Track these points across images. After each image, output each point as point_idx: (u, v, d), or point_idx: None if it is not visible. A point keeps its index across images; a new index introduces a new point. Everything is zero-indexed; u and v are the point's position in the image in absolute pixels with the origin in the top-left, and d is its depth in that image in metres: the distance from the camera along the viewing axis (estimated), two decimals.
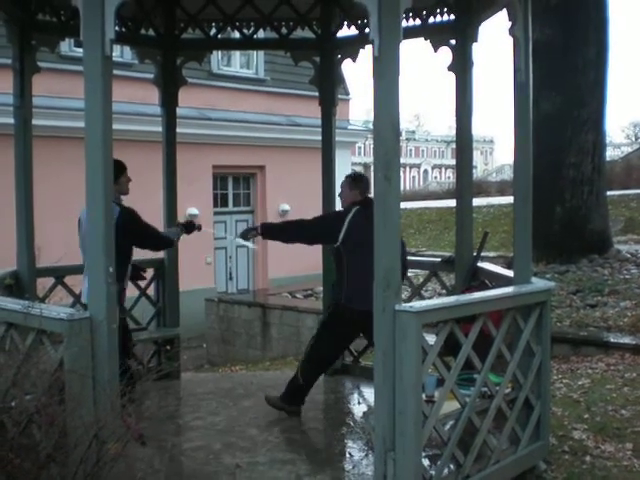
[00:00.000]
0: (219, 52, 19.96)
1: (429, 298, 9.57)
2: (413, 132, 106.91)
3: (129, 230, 6.01)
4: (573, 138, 14.95)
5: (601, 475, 5.60)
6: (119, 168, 6.05)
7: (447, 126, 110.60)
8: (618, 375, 8.26)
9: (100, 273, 4.39)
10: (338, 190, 6.80)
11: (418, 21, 7.25)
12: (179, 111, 8.31)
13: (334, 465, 5.56)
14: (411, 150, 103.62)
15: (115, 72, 4.70)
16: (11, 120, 6.88)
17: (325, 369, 7.04)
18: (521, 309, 5.33)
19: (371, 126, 4.56)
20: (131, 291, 7.85)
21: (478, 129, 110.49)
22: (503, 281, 6.02)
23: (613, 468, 5.74)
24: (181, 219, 7.61)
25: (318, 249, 8.19)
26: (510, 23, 5.47)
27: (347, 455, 5.88)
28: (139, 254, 6.64)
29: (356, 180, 6.55)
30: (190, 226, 7.10)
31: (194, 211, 18.59)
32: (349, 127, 23.76)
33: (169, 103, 8.09)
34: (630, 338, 9.52)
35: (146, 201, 6.19)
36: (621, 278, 12.94)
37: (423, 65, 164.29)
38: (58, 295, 7.28)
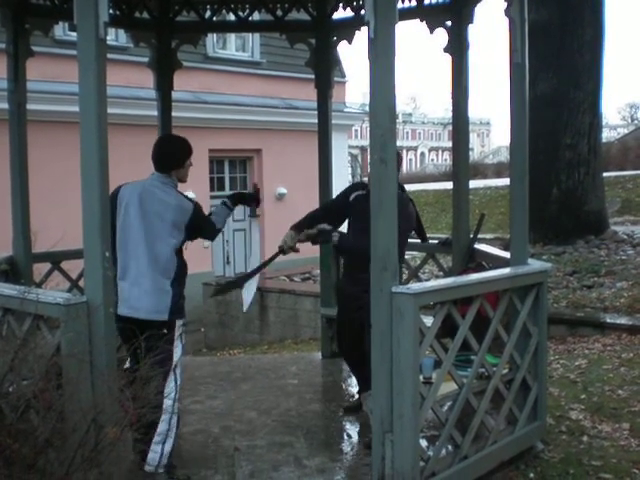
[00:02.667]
0: (214, 35, 19.88)
1: (426, 280, 9.57)
2: (410, 114, 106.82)
3: (195, 225, 5.23)
4: (569, 120, 14.94)
5: (598, 455, 5.62)
6: (188, 150, 5.42)
7: (444, 108, 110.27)
8: (615, 355, 8.28)
9: (97, 258, 4.38)
10: (336, 172, 6.80)
11: (414, 2, 7.21)
12: (174, 95, 8.28)
13: (333, 447, 5.58)
14: (408, 133, 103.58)
15: (110, 56, 4.68)
16: (5, 105, 6.85)
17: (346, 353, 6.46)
18: (518, 290, 5.34)
19: (367, 109, 4.55)
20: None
21: (474, 111, 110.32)
22: (500, 263, 6.02)
23: (610, 448, 5.77)
24: None
25: None
26: (506, 4, 5.45)
27: (345, 437, 5.90)
28: None
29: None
30: (239, 199, 5.94)
31: (190, 195, 18.53)
32: (345, 110, 23.71)
33: (164, 87, 8.06)
34: (626, 318, 9.53)
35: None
36: (617, 259, 12.97)
37: (419, 47, 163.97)
38: (55, 280, 7.27)
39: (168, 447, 4.91)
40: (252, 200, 5.98)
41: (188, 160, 5.39)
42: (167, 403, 4.86)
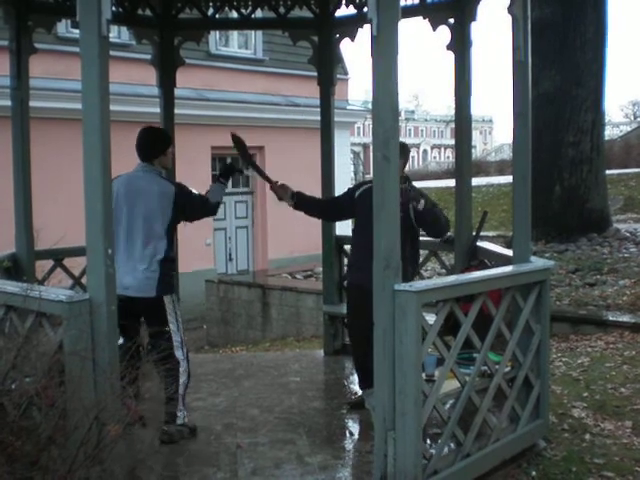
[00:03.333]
0: (217, 32, 19.88)
1: (429, 278, 9.57)
2: (412, 112, 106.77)
3: (182, 204, 5.70)
4: (572, 117, 14.93)
5: (601, 453, 5.62)
6: (168, 139, 5.94)
7: (446, 106, 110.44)
8: (617, 353, 8.27)
9: (99, 255, 4.38)
10: (338, 169, 6.83)
11: (417, 0, 7.21)
12: (177, 92, 8.27)
13: (335, 445, 5.58)
14: (410, 130, 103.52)
15: (112, 53, 4.68)
16: (8, 102, 6.85)
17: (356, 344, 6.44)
18: (520, 288, 5.33)
19: (370, 106, 4.55)
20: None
21: (477, 109, 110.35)
22: (502, 260, 6.02)
23: (612, 446, 5.76)
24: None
25: (318, 230, 8.21)
26: (509, 1, 5.43)
27: (348, 435, 5.90)
28: None
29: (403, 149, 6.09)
30: (229, 171, 6.48)
31: (194, 192, 18.54)
32: (348, 107, 23.70)
33: (167, 84, 8.06)
34: (629, 316, 9.53)
35: None
36: (620, 257, 12.96)
37: (422, 45, 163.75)
38: (57, 277, 7.27)
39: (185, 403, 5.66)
40: (235, 170, 6.66)
41: (169, 148, 5.86)
42: (181, 370, 5.58)
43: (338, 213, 6.68)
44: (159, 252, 5.56)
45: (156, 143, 5.82)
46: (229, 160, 6.85)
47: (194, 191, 5.89)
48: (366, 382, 6.08)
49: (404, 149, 6.05)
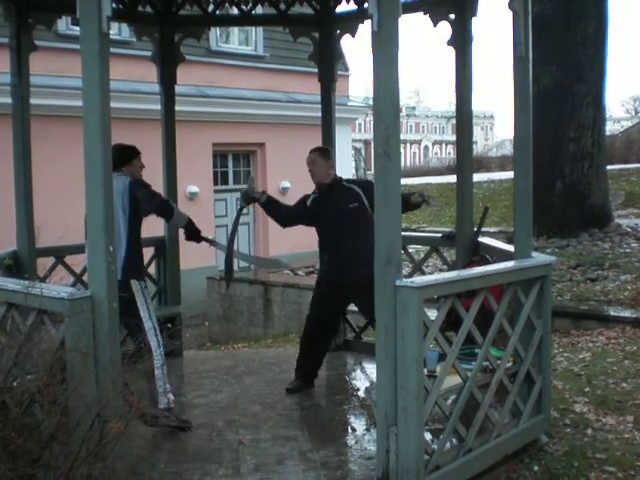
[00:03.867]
0: (217, 29, 19.85)
1: (430, 273, 9.58)
2: (413, 108, 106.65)
3: (135, 196, 6.02)
4: (573, 113, 14.91)
5: (602, 448, 5.62)
6: (132, 152, 6.25)
7: (447, 102, 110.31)
8: (619, 348, 8.27)
9: (100, 252, 4.38)
10: (339, 165, 6.92)
11: None
12: (178, 89, 8.27)
13: (337, 441, 5.58)
14: (411, 126, 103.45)
15: (113, 50, 4.68)
16: (9, 99, 6.86)
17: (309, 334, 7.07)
18: (522, 283, 5.33)
19: (371, 102, 4.54)
20: None
21: (478, 104, 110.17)
22: (504, 256, 6.01)
23: (614, 441, 5.77)
24: (182, 199, 7.62)
25: None
26: None
27: (350, 431, 5.90)
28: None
29: (325, 151, 6.94)
30: (194, 235, 6.62)
31: (194, 189, 18.58)
32: (349, 103, 23.69)
33: (167, 80, 8.06)
34: (630, 311, 9.52)
35: (146, 180, 6.17)
36: (621, 252, 12.95)
37: (423, 40, 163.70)
38: (59, 275, 7.28)
39: (168, 387, 5.80)
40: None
41: (134, 160, 6.22)
42: (156, 357, 5.71)
43: (293, 221, 6.93)
44: (123, 242, 5.92)
45: (119, 156, 6.05)
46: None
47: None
48: (298, 364, 6.89)
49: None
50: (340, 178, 6.79)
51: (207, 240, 6.72)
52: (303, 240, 18.09)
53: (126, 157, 6.19)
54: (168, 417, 5.66)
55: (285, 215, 6.89)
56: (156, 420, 5.58)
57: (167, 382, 5.82)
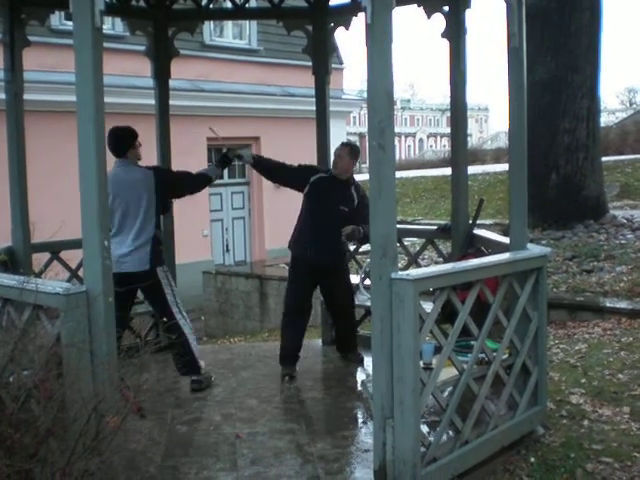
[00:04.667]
0: (211, 23, 19.82)
1: (426, 266, 9.57)
2: (408, 101, 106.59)
3: (164, 182, 6.44)
4: (567, 104, 14.90)
5: (599, 439, 5.63)
6: (132, 134, 6.47)
7: (442, 94, 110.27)
8: (615, 340, 8.29)
9: (95, 247, 4.38)
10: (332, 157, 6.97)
11: None
12: (172, 83, 8.25)
13: (334, 434, 5.58)
14: (406, 119, 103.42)
15: (106, 45, 4.68)
16: (2, 95, 6.83)
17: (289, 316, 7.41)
18: (517, 275, 5.34)
19: (365, 95, 4.54)
20: None
21: (473, 97, 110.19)
22: (499, 248, 6.02)
23: (611, 432, 5.78)
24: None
25: None
26: None
27: (346, 424, 5.91)
28: None
29: (356, 150, 7.13)
30: (225, 161, 7.16)
31: None
32: (343, 96, 23.66)
33: (161, 75, 8.04)
34: (626, 303, 9.54)
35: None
36: (617, 243, 12.97)
37: (417, 33, 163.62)
38: (54, 270, 7.26)
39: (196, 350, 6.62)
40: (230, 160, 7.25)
41: (136, 141, 6.46)
42: (187, 333, 6.51)
43: (287, 181, 7.35)
44: (150, 230, 6.35)
45: (124, 139, 6.43)
46: (225, 150, 7.16)
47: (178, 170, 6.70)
48: (285, 349, 7.26)
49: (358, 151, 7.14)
50: (353, 180, 7.16)
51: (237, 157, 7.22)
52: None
53: (129, 141, 6.42)
54: (208, 378, 6.69)
55: (281, 171, 7.27)
56: (201, 385, 6.56)
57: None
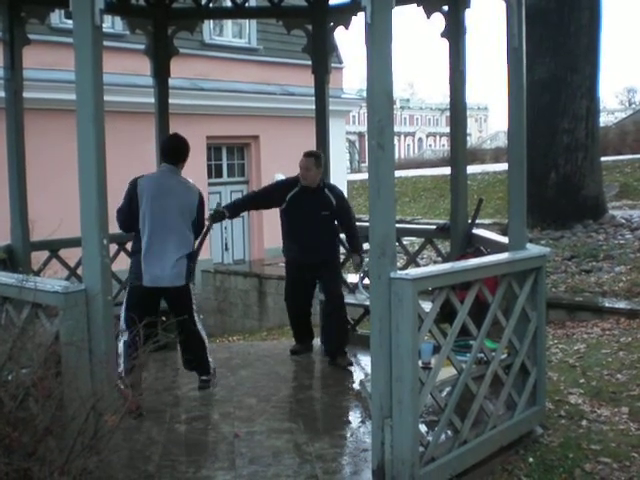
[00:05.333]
0: (211, 22, 19.80)
1: (424, 266, 9.58)
2: (407, 100, 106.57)
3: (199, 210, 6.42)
4: (567, 104, 14.90)
5: (597, 439, 5.63)
6: (189, 149, 6.48)
7: (441, 94, 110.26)
8: (613, 340, 8.29)
9: (94, 245, 4.38)
10: (333, 157, 6.98)
11: None
12: (171, 82, 8.25)
13: (332, 433, 5.58)
14: (405, 118, 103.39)
15: (106, 43, 4.67)
16: (2, 93, 6.83)
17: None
18: (516, 275, 5.34)
19: (365, 94, 4.54)
20: (126, 263, 7.85)
21: (472, 96, 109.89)
22: (498, 247, 6.02)
23: (609, 432, 5.78)
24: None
25: None
26: None
27: (345, 423, 5.91)
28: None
29: (320, 159, 7.36)
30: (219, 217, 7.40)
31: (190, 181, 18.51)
32: (343, 96, 23.64)
33: (161, 73, 8.04)
34: (625, 303, 9.55)
35: (140, 173, 6.16)
36: (616, 243, 12.97)
37: (416, 33, 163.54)
38: (53, 268, 7.27)
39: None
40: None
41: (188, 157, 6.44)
42: (204, 336, 6.66)
43: (267, 205, 7.88)
44: (189, 245, 6.30)
45: (185, 150, 6.43)
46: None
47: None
48: (293, 330, 7.93)
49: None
50: (324, 183, 7.40)
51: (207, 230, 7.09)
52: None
53: (186, 154, 6.42)
54: (214, 374, 6.68)
55: (255, 205, 8.12)
56: (207, 384, 6.58)
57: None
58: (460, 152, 7.22)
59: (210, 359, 6.68)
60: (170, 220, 6.14)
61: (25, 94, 6.95)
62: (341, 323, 7.52)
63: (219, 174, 21.01)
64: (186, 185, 6.35)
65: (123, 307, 6.19)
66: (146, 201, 6.07)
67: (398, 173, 25.93)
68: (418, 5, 6.97)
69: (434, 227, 7.92)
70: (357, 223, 7.51)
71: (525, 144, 5.62)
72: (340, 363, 7.29)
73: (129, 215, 6.13)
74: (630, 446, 5.51)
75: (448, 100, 7.32)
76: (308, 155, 7.27)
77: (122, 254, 7.75)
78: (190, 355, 6.57)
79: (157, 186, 6.16)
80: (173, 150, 6.39)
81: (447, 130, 8.01)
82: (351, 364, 7.29)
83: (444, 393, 4.96)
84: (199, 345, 6.55)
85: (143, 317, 4.96)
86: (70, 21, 4.48)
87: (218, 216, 7.34)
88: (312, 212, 7.20)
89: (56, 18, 16.24)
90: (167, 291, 6.22)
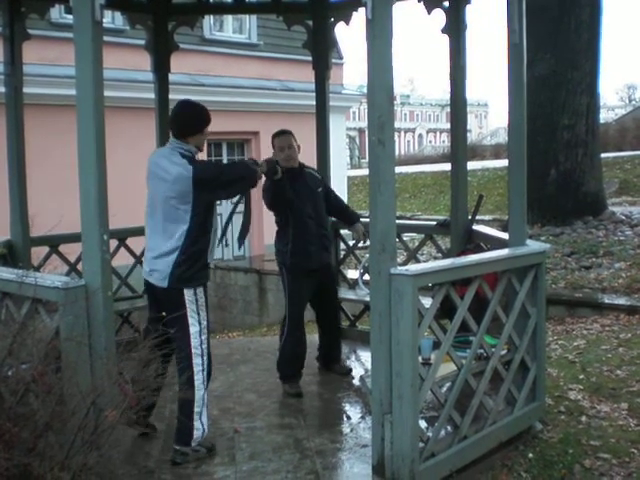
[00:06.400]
0: (211, 17, 19.77)
1: (424, 261, 9.58)
2: (408, 96, 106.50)
3: (201, 185, 4.93)
4: (567, 100, 14.89)
5: (597, 435, 5.64)
6: (209, 117, 5.20)
7: (441, 90, 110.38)
8: (613, 336, 8.29)
9: (94, 241, 4.38)
10: (334, 153, 6.92)
11: None
12: (172, 77, 8.23)
13: (332, 429, 5.59)
14: (406, 114, 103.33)
15: (106, 38, 4.66)
16: (2, 88, 6.82)
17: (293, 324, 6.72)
18: (516, 271, 5.34)
19: (365, 90, 4.54)
20: (126, 259, 7.87)
21: (472, 92, 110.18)
22: (498, 244, 6.02)
23: (609, 428, 5.79)
24: None
25: None
26: None
27: (345, 419, 5.92)
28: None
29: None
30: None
31: None
32: (343, 91, 23.61)
33: (161, 69, 8.02)
34: (625, 299, 9.56)
35: (140, 170, 6.11)
36: (615, 239, 12.97)
37: (417, 28, 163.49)
38: (53, 264, 7.26)
39: (204, 419, 5.04)
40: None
41: (207, 126, 5.19)
42: (197, 383, 4.98)
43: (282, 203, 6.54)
44: (175, 239, 4.95)
45: (197, 118, 5.17)
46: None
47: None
48: (295, 368, 6.54)
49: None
50: (301, 163, 6.70)
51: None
52: None
53: (200, 124, 5.14)
54: (197, 451, 5.03)
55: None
56: (186, 459, 4.97)
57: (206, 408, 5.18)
58: (460, 148, 7.21)
59: (200, 422, 5.03)
60: (156, 205, 5.04)
61: (25, 89, 6.94)
62: (339, 330, 7.38)
63: None
64: (178, 166, 4.93)
65: None
66: (147, 182, 5.14)
67: (398, 169, 25.91)
68: (419, 1, 6.94)
69: (434, 223, 7.90)
70: None
71: (525, 140, 5.62)
72: (336, 369, 6.98)
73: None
74: (629, 442, 5.52)
75: (448, 96, 7.32)
76: (283, 133, 6.68)
77: (122, 249, 7.74)
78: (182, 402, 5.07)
79: (153, 165, 5.10)
80: (179, 121, 5.13)
81: (447, 126, 8.01)
82: (350, 371, 6.99)
83: (444, 389, 4.96)
84: (186, 387, 4.95)
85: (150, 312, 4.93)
86: (70, 16, 4.48)
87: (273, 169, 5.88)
88: (311, 192, 6.56)
89: (56, 13, 16.21)
90: (155, 290, 5.10)
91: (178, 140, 5.07)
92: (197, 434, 4.99)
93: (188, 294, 4.99)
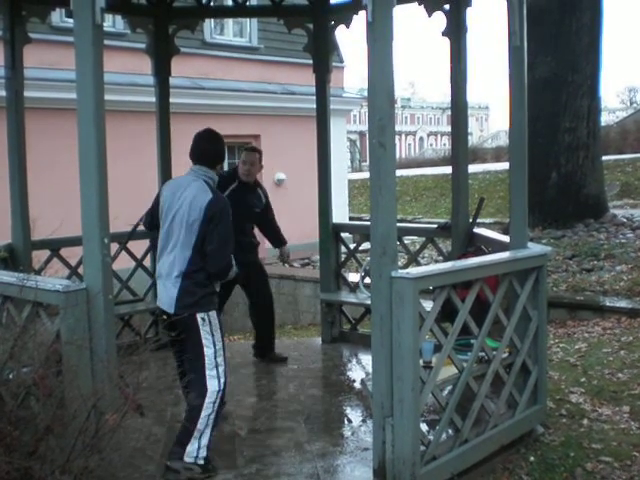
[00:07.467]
0: (212, 20, 19.78)
1: (425, 265, 9.57)
2: (408, 99, 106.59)
3: (213, 222, 4.87)
4: (568, 103, 14.91)
5: (598, 438, 5.63)
6: (207, 145, 5.34)
7: (442, 93, 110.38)
8: (614, 339, 8.28)
9: (95, 244, 4.38)
10: (335, 157, 6.94)
11: None
12: (172, 81, 8.25)
13: (333, 432, 5.59)
14: (406, 117, 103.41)
15: (107, 42, 4.67)
16: (2, 92, 6.83)
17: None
18: (517, 274, 5.33)
19: (366, 93, 4.54)
20: (127, 262, 7.87)
21: (473, 95, 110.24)
22: (499, 246, 6.01)
23: (610, 431, 5.78)
24: None
25: (314, 218, 8.21)
26: None
27: (346, 422, 5.91)
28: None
29: (261, 154, 7.38)
30: None
31: None
32: (344, 95, 23.62)
33: (162, 72, 8.03)
34: (626, 302, 9.54)
35: (141, 173, 6.13)
36: (617, 242, 12.97)
37: (418, 31, 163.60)
38: (54, 267, 7.26)
39: (204, 441, 4.79)
40: None
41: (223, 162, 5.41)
42: (207, 401, 4.81)
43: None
44: (181, 265, 4.88)
45: (222, 149, 5.40)
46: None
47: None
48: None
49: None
50: (257, 181, 7.44)
51: None
52: (298, 232, 18.12)
53: (223, 155, 5.36)
54: (190, 469, 4.77)
55: None
56: (177, 477, 4.77)
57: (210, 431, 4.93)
58: (461, 151, 7.22)
59: (201, 443, 4.79)
60: (173, 229, 4.98)
61: (26, 93, 6.95)
62: (273, 320, 7.69)
63: None
64: (199, 189, 4.97)
65: None
66: (162, 204, 5.10)
67: (399, 172, 25.93)
68: (419, 4, 6.95)
69: (435, 226, 7.91)
70: (358, 222, 7.52)
71: (526, 143, 5.62)
72: (272, 357, 7.53)
73: (149, 216, 5.37)
74: (631, 445, 5.51)
75: (449, 99, 7.31)
76: (253, 150, 7.37)
77: (123, 253, 7.74)
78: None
79: (171, 186, 5.15)
80: (209, 151, 5.26)
81: (448, 129, 8.01)
82: (286, 358, 7.54)
83: (445, 392, 4.95)
84: (194, 406, 4.85)
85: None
86: (71, 20, 4.49)
87: None
88: (249, 209, 7.17)
89: (57, 17, 16.22)
90: (167, 313, 5.02)
91: (205, 168, 5.16)
92: (191, 450, 4.77)
93: (199, 316, 4.89)
